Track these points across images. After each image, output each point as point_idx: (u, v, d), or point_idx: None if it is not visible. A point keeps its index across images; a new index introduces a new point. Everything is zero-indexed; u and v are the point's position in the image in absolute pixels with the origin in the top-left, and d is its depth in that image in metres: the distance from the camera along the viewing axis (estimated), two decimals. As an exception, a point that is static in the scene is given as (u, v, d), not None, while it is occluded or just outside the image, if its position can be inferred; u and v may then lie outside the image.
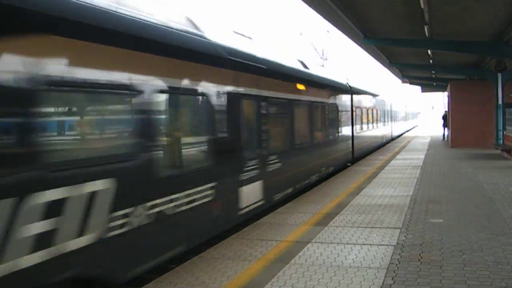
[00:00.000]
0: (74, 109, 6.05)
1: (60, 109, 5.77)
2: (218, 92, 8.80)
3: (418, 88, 53.11)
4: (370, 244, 8.01)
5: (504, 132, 25.53)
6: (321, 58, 30.02)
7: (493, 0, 14.05)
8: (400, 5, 14.98)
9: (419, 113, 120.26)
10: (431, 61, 27.21)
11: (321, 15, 16.68)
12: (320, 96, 16.30)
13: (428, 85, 46.58)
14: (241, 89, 9.81)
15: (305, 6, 15.16)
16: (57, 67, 5.18)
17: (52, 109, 5.52)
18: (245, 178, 9.94)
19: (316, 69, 17.13)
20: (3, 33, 4.66)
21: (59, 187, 5.12)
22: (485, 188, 13.68)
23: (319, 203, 11.93)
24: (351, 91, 21.54)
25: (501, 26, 17.03)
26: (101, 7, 6.04)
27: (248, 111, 10.37)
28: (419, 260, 7.06)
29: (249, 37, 12.06)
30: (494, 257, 7.12)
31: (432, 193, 13.06)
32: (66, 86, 5.37)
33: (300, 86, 14.13)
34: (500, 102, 25.39)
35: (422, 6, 13.82)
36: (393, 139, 40.53)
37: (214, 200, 8.49)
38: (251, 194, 10.21)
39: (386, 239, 8.32)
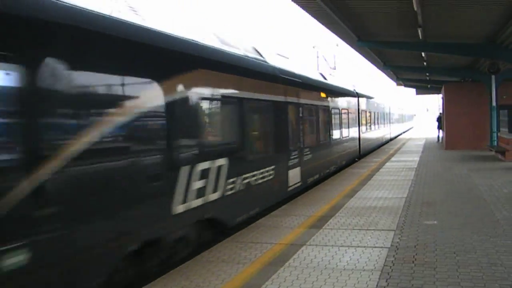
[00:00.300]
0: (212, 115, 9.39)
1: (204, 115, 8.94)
2: (275, 101, 12.33)
3: (413, 90, 53.19)
4: (364, 247, 8.03)
5: (498, 134, 25.60)
6: (330, 68, 34.22)
7: (485, 2, 14.13)
8: (393, 7, 15.05)
9: (415, 115, 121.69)
10: (425, 63, 27.32)
11: (316, 18, 16.73)
12: (336, 102, 19.60)
13: (423, 88, 46.75)
14: (287, 99, 13.20)
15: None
16: (208, 87, 8.85)
17: (200, 115, 8.65)
18: (291, 164, 13.40)
19: (331, 79, 20.53)
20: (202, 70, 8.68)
21: (206, 161, 8.47)
22: (479, 189, 13.72)
23: (314, 206, 11.94)
24: (358, 96, 24.99)
25: (494, 28, 17.11)
26: (223, 50, 9.84)
27: (291, 115, 13.59)
28: (413, 262, 7.08)
29: (286, 57, 15.52)
30: (488, 258, 7.14)
31: (427, 195, 13.10)
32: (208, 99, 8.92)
33: (323, 95, 17.44)
34: (494, 104, 25.44)
35: (415, 8, 13.88)
36: (391, 139, 44.17)
37: (275, 178, 12.00)
38: (294, 176, 13.60)
39: (381, 241, 8.34)
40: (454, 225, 9.40)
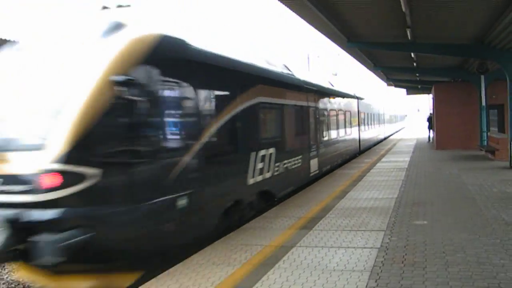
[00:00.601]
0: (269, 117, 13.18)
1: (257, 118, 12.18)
2: (300, 106, 15.53)
3: (404, 90, 53.37)
4: (354, 247, 8.05)
5: (488, 133, 25.75)
6: (333, 74, 38.46)
7: (473, 3, 14.20)
8: (382, 8, 15.09)
9: (406, 115, 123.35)
10: (415, 64, 27.38)
11: (305, 20, 16.75)
12: (342, 105, 22.95)
13: (413, 88, 46.89)
14: (308, 103, 16.40)
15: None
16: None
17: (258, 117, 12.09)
18: (312, 155, 16.59)
19: (337, 86, 23.28)
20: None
21: (263, 149, 11.81)
22: (469, 189, 13.79)
23: (304, 207, 11.96)
24: (358, 99, 28.32)
25: (482, 28, 17.18)
26: (270, 70, 13.20)
27: (311, 116, 16.74)
28: (402, 262, 7.11)
29: (305, 70, 19.24)
30: (477, 257, 7.18)
31: (417, 195, 13.15)
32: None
33: (332, 99, 20.82)
34: (483, 103, 25.61)
35: (404, 9, 13.91)
36: (385, 138, 48.22)
37: (302, 165, 15.31)
38: (313, 165, 16.84)
39: (370, 242, 8.36)
40: (444, 225, 9.44)
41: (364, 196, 13.32)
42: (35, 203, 6.61)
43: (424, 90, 44.85)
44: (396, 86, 47.83)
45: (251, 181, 11.10)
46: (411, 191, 13.89)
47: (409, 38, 18.31)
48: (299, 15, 16.18)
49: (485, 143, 25.55)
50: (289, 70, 15.40)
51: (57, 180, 6.59)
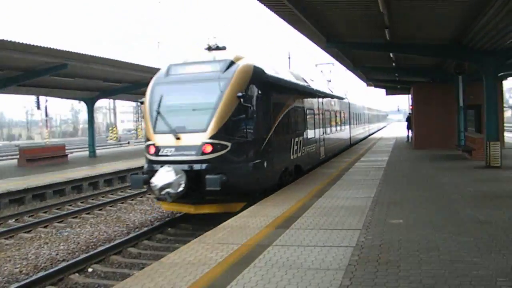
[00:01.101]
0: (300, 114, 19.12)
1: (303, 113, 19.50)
2: (313, 107, 20.75)
3: (383, 91, 53.70)
4: (330, 246, 8.08)
5: (466, 133, 26.00)
6: (327, 81, 46.05)
7: (451, 4, 14.33)
8: (360, 9, 15.17)
9: (387, 115, 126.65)
10: (394, 64, 27.56)
11: (285, 20, 16.77)
12: (339, 107, 28.68)
13: (392, 88, 47.15)
14: (318, 105, 21.86)
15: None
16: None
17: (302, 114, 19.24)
18: (321, 144, 21.91)
19: (335, 92, 29.23)
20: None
21: (297, 137, 17.42)
22: (445, 188, 13.93)
23: (282, 206, 11.97)
24: (348, 101, 34.27)
25: (460, 29, 17.35)
26: (298, 83, 18.96)
27: (320, 115, 22.08)
28: (377, 261, 7.15)
29: (312, 80, 23.14)
30: (450, 255, 7.25)
31: (394, 194, 13.25)
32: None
33: (332, 102, 26.20)
34: (461, 104, 25.83)
35: (382, 10, 14.00)
36: (370, 134, 55.11)
37: (315, 151, 20.58)
38: (322, 152, 22.16)
39: (346, 240, 8.40)
40: (419, 223, 9.52)
41: (341, 195, 13.38)
42: (200, 160, 12.43)
43: (403, 90, 45.04)
44: (376, 86, 48.11)
45: (292, 157, 16.82)
46: (388, 190, 13.99)
47: (388, 38, 18.42)
48: (279, 15, 16.20)
49: (463, 142, 25.80)
50: (305, 81, 20.67)
51: (210, 148, 12.41)
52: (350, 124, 33.75)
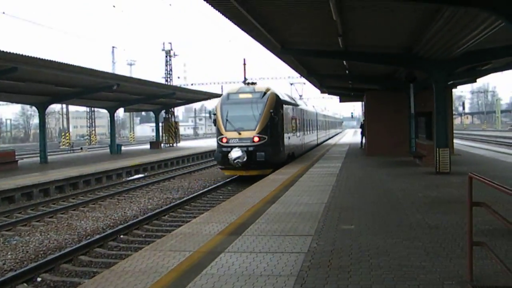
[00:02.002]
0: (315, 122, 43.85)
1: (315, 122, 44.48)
2: (313, 119, 42.83)
3: (337, 98, 54.42)
4: (282, 252, 8.10)
5: (417, 140, 26.52)
6: (300, 96, 60.61)
7: (401, 15, 14.61)
8: (314, 16, 15.30)
9: (343, 122, 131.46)
10: (347, 71, 27.88)
11: (240, 27, 16.73)
12: (314, 117, 43.21)
13: (346, 95, 47.65)
14: (314, 118, 43.63)
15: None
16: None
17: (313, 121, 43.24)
18: (318, 137, 47.02)
19: (308, 106, 45.36)
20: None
21: (305, 134, 35.89)
22: (396, 194, 14.15)
23: (235, 213, 11.96)
24: (316, 112, 47.69)
25: (410, 38, 17.72)
26: (308, 110, 40.02)
27: (314, 122, 42.53)
28: (328, 266, 7.20)
29: (312, 105, 52.31)
30: (399, 260, 7.37)
31: (346, 200, 13.39)
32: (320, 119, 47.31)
33: (308, 113, 38.48)
34: (412, 111, 26.34)
35: (335, 18, 14.13)
36: (329, 138, 66.95)
37: (316, 140, 44.95)
38: (316, 140, 44.53)
39: (298, 246, 8.44)
40: (370, 229, 9.64)
41: (294, 201, 13.44)
42: (252, 145, 23.15)
43: (357, 97, 45.61)
44: (329, 93, 48.68)
45: (300, 143, 31.87)
46: (340, 196, 14.14)
47: (341, 46, 18.61)
48: (234, 22, 16.16)
49: (414, 149, 26.29)
50: (313, 107, 48.52)
51: (257, 139, 23.18)
52: (317, 129, 47.53)
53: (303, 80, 44.93)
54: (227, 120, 23.95)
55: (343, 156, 30.32)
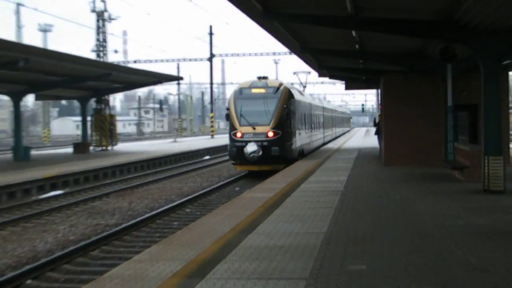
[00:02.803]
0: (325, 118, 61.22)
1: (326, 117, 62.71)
2: (322, 114, 59.61)
3: (342, 84, 54.75)
4: (263, 304, 8.06)
5: (455, 144, 25.99)
6: (303, 87, 66.03)
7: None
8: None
9: (351, 118, 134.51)
10: (357, 46, 27.49)
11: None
12: (321, 111, 58.71)
13: (355, 80, 47.74)
14: (321, 113, 59.05)
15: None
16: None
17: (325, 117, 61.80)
18: (324, 135, 61.65)
19: (315, 100, 61.44)
20: None
21: (312, 131, 49.64)
22: (427, 221, 14.16)
23: (197, 246, 11.85)
24: (323, 107, 61.33)
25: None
26: (317, 104, 57.28)
27: (322, 118, 58.27)
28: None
29: (317, 98, 79.13)
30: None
31: (354, 229, 13.38)
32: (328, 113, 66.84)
33: (321, 109, 58.89)
34: (449, 103, 25.71)
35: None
36: (337, 136, 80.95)
37: (323, 138, 59.63)
38: (322, 138, 59.09)
39: (286, 295, 8.40)
40: (389, 271, 9.59)
41: (280, 229, 13.40)
42: (267, 140, 33.34)
43: (370, 83, 45.17)
44: (331, 77, 48.95)
45: (309, 141, 45.12)
46: (346, 223, 14.12)
47: (349, 10, 18.46)
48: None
49: (451, 157, 25.99)
50: (320, 101, 68.09)
51: (272, 134, 33.58)
52: (324, 125, 59.88)
53: (308, 68, 49.35)
54: (241, 115, 33.99)
55: (350, 167, 30.24)
